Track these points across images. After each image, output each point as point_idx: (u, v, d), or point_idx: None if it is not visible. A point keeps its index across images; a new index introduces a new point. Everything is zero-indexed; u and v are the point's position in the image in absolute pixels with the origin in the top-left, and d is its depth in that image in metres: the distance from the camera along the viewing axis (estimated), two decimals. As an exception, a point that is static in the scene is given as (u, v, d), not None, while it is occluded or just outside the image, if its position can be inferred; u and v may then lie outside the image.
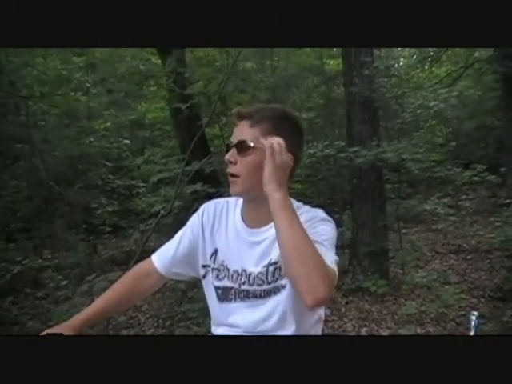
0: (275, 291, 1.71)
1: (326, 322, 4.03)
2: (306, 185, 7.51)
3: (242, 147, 1.63)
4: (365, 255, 5.76)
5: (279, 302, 1.72)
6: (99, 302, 1.83)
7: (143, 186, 7.06)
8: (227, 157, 1.64)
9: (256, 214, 1.73)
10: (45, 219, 7.99)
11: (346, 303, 5.42)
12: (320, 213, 1.71)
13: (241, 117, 1.64)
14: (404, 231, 7.26)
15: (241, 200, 1.81)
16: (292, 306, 1.72)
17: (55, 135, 8.14)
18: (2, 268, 5.57)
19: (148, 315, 5.55)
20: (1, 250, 6.38)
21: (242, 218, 1.77)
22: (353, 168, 5.91)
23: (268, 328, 1.74)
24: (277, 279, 1.69)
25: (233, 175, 1.64)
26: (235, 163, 1.64)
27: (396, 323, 5.08)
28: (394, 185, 7.20)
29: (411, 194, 8.01)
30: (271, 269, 1.69)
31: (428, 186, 9.40)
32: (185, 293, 4.91)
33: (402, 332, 4.72)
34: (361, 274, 5.60)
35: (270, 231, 1.71)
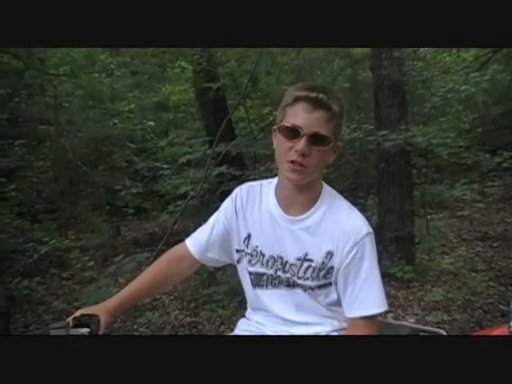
0: (307, 288, 1.68)
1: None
2: (330, 169, 7.43)
3: (319, 140, 1.56)
4: (391, 240, 5.69)
5: (311, 297, 1.69)
6: (133, 286, 1.81)
7: (167, 168, 7.03)
8: (302, 148, 1.54)
9: (297, 198, 1.68)
10: (69, 200, 8.03)
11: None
12: (361, 227, 1.64)
13: (319, 105, 1.54)
14: (430, 217, 7.16)
15: (275, 182, 1.76)
16: (323, 304, 1.69)
17: (80, 117, 8.15)
18: (28, 248, 5.61)
19: (172, 297, 5.55)
20: (26, 230, 6.40)
21: (278, 203, 1.72)
22: (380, 152, 5.82)
23: (302, 319, 1.71)
24: (308, 278, 1.66)
25: (301, 165, 1.58)
26: (308, 155, 1.57)
27: (423, 309, 5.02)
28: (421, 170, 7.10)
29: (438, 180, 7.89)
30: (305, 265, 1.65)
31: (454, 172, 9.26)
32: (211, 275, 4.90)
33: (429, 319, 4.67)
34: (387, 260, 5.53)
35: (308, 220, 1.66)
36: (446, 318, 4.78)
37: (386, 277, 5.56)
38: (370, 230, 1.63)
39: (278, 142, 1.62)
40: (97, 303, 1.74)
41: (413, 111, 7.08)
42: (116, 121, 8.31)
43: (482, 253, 6.74)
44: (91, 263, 5.21)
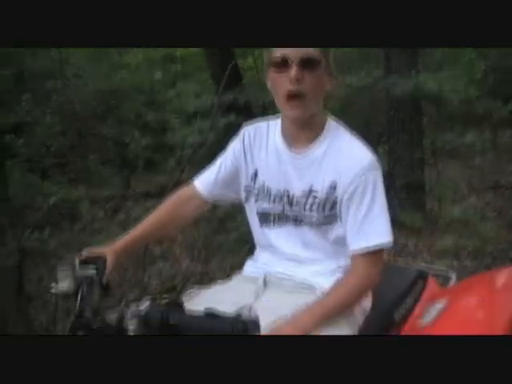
0: (313, 223, 1.66)
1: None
2: (339, 118, 7.35)
3: (310, 63, 1.54)
4: (401, 188, 5.66)
5: (317, 233, 1.68)
6: (140, 227, 1.83)
7: (176, 118, 6.98)
8: (294, 74, 1.53)
9: (301, 133, 1.67)
10: (79, 154, 8.01)
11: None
12: (364, 158, 1.64)
13: None
14: (441, 165, 7.10)
15: (280, 120, 1.74)
16: (329, 241, 1.68)
17: (86, 70, 8.07)
18: (39, 201, 5.63)
19: (183, 247, 5.58)
20: (36, 185, 6.41)
21: (283, 139, 1.71)
22: (390, 100, 5.74)
23: (309, 256, 1.71)
24: (314, 212, 1.65)
25: (298, 95, 1.55)
26: (302, 81, 1.54)
27: (432, 256, 5.03)
28: (432, 118, 7.00)
29: (449, 128, 7.79)
30: (311, 199, 1.65)
31: (466, 120, 9.14)
32: (220, 223, 4.90)
33: (439, 265, 4.68)
34: (397, 208, 5.51)
35: (312, 153, 1.65)
36: (455, 264, 4.79)
37: (396, 225, 5.53)
38: (375, 162, 1.62)
39: (272, 80, 1.61)
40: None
41: (424, 59, 6.94)
42: (123, 73, 8.22)
43: (493, 202, 6.71)
44: (101, 214, 5.22)
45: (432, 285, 2.16)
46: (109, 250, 1.69)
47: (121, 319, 1.35)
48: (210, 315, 1.37)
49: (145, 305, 1.38)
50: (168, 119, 7.42)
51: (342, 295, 1.61)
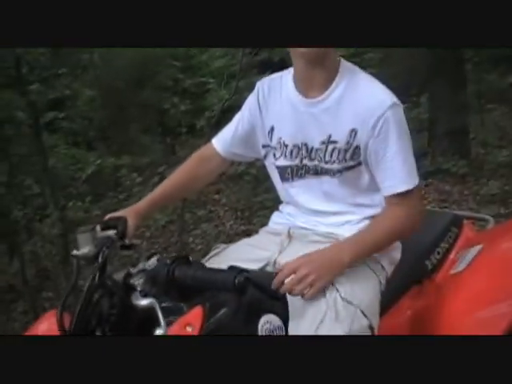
0: (334, 172, 1.63)
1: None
2: (380, 69, 7.17)
3: None
4: (444, 135, 5.53)
5: (339, 183, 1.65)
6: (161, 188, 1.84)
7: (213, 82, 6.96)
8: None
9: (313, 76, 1.61)
10: (120, 125, 8.10)
11: (426, 185, 5.25)
12: (384, 99, 1.56)
13: None
14: (487, 110, 6.89)
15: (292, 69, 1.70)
16: (352, 191, 1.65)
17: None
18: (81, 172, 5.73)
19: (227, 208, 5.63)
20: (83, 158, 6.52)
21: (296, 88, 1.66)
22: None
23: (331, 208, 1.68)
24: (335, 161, 1.61)
25: None
26: None
27: (478, 204, 4.92)
28: (474, 59, 6.76)
29: (493, 70, 7.51)
30: (330, 148, 1.60)
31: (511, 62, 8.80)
32: (260, 183, 4.91)
33: (485, 212, 4.57)
34: (440, 156, 5.40)
35: (328, 100, 1.60)
36: (502, 211, 4.67)
37: (440, 173, 5.45)
38: (395, 101, 1.56)
39: None
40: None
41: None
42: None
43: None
44: (139, 179, 5.28)
45: (468, 230, 2.09)
46: (131, 212, 1.71)
47: (127, 276, 1.37)
48: (214, 269, 1.37)
49: (152, 261, 1.40)
50: (205, 83, 7.39)
51: (381, 233, 1.58)
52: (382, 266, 1.65)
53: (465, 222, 2.13)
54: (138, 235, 5.41)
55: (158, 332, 1.29)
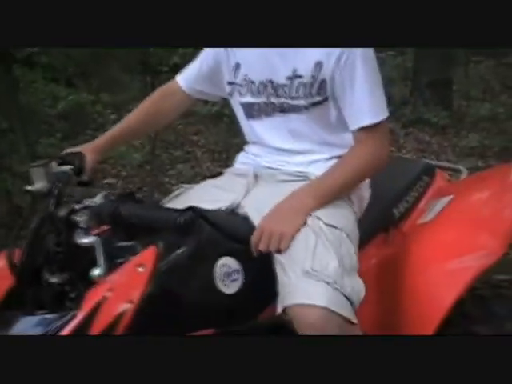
0: (301, 109, 1.57)
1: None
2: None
3: None
4: (427, 86, 5.47)
5: (306, 120, 1.59)
6: (123, 123, 1.79)
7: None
8: None
9: None
10: (101, 62, 7.91)
11: (406, 134, 5.23)
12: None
13: None
14: (472, 64, 6.82)
15: None
16: (320, 128, 1.61)
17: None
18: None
19: (204, 149, 5.56)
20: (61, 95, 6.36)
21: None
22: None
23: (299, 147, 1.63)
24: (301, 97, 1.55)
25: None
26: None
27: (457, 156, 4.91)
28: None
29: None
30: (296, 83, 1.54)
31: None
32: (238, 124, 4.83)
33: (463, 165, 4.56)
34: (422, 106, 5.35)
35: None
36: (480, 164, 4.67)
37: (421, 123, 5.42)
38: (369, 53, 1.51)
39: None
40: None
41: None
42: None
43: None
44: (114, 116, 5.17)
45: (440, 180, 2.05)
46: (90, 148, 1.66)
47: (71, 212, 1.31)
48: (157, 207, 1.31)
49: (98, 197, 1.34)
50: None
51: (346, 172, 1.54)
52: (351, 200, 1.61)
53: (437, 171, 2.08)
54: (113, 174, 5.36)
55: (96, 272, 1.25)
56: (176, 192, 1.73)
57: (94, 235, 1.28)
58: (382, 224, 1.81)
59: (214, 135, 5.68)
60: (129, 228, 1.33)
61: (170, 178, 4.91)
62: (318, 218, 1.45)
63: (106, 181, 5.22)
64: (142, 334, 1.20)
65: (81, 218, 1.29)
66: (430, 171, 2.03)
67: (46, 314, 1.22)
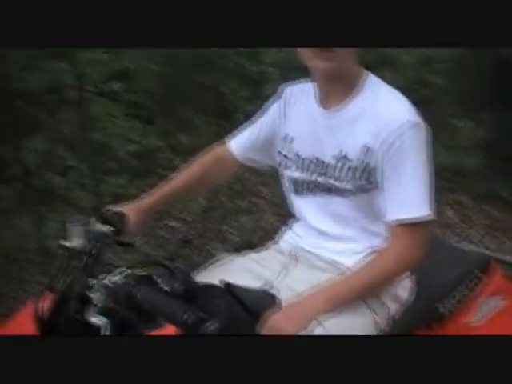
0: (347, 193, 1.52)
1: (449, 226, 3.76)
2: (442, 81, 6.88)
3: None
4: (503, 158, 5.26)
5: (352, 206, 1.54)
6: (169, 185, 1.80)
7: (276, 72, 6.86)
8: None
9: (333, 90, 1.53)
10: (179, 103, 8.10)
11: (475, 208, 5.02)
12: (402, 116, 1.46)
13: None
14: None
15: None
16: (362, 215, 1.54)
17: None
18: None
19: (269, 202, 5.51)
20: (138, 131, 6.52)
21: (316, 98, 1.57)
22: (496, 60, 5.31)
23: (338, 231, 1.58)
24: (347, 180, 1.51)
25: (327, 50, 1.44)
26: None
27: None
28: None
29: None
30: (342, 164, 1.50)
31: None
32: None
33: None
34: (496, 179, 5.14)
35: (346, 112, 1.51)
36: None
37: (492, 197, 5.17)
38: (417, 120, 1.45)
39: None
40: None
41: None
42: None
43: None
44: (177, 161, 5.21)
45: (495, 276, 1.92)
46: (133, 209, 1.67)
47: (86, 288, 1.29)
48: (170, 298, 1.28)
49: (118, 277, 1.31)
50: (267, 71, 7.30)
51: (371, 274, 1.48)
52: (384, 303, 1.53)
53: (493, 265, 1.96)
54: (177, 217, 5.40)
55: None
56: (217, 261, 1.71)
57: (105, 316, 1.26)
58: (423, 319, 1.71)
59: (281, 187, 5.65)
60: (142, 312, 1.30)
61: (231, 227, 4.89)
62: (320, 324, 1.39)
63: (169, 223, 5.27)
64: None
65: (95, 296, 1.28)
66: (484, 265, 1.91)
67: None
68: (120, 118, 6.23)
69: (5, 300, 3.88)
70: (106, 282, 1.29)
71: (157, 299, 1.27)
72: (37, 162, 4.32)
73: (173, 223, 5.24)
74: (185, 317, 1.19)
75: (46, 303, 1.32)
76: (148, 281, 1.33)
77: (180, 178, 1.82)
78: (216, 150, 1.86)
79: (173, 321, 1.23)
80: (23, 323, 1.39)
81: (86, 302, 1.28)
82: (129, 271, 1.33)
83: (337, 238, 1.59)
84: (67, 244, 1.42)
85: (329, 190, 1.56)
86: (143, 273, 1.34)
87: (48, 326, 1.30)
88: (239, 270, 1.62)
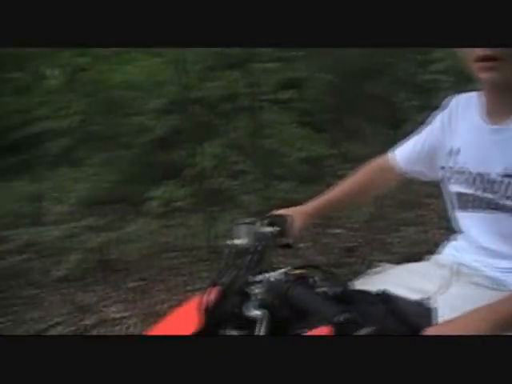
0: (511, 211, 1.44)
1: None
2: None
3: None
4: None
5: None
6: (333, 193, 1.81)
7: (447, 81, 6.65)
8: None
9: (499, 102, 1.46)
10: (349, 112, 8.13)
11: None
12: None
13: None
14: None
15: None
16: None
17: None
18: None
19: (436, 215, 5.34)
20: (309, 139, 6.64)
21: (483, 111, 1.51)
22: None
23: (504, 250, 1.50)
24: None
25: (490, 57, 1.36)
26: None
27: None
28: None
29: None
30: (506, 181, 1.43)
31: None
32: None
33: None
34: None
35: None
36: None
37: None
38: None
39: None
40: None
41: None
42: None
43: None
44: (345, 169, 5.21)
45: None
46: (299, 212, 1.71)
47: (245, 284, 1.35)
48: (323, 298, 1.29)
49: (278, 273, 1.36)
50: (438, 80, 7.09)
51: None
52: None
53: None
54: (341, 225, 5.43)
55: None
56: (377, 269, 1.72)
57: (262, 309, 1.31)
58: None
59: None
60: (297, 309, 1.33)
61: (394, 239, 4.82)
62: None
63: (333, 231, 5.33)
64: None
65: (254, 292, 1.33)
66: None
67: None
68: (291, 125, 6.39)
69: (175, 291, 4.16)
70: (266, 277, 1.36)
71: (312, 298, 1.29)
72: (211, 166, 4.59)
73: (336, 230, 5.29)
74: (339, 316, 1.20)
75: (211, 297, 1.39)
76: (305, 280, 1.37)
77: (344, 186, 1.83)
78: (380, 160, 1.85)
79: (326, 319, 1.25)
80: (189, 315, 1.48)
81: (245, 297, 1.35)
82: (288, 270, 1.39)
83: (502, 256, 1.51)
84: (233, 242, 1.51)
85: (494, 207, 1.49)
86: (301, 273, 1.38)
87: (212, 318, 1.37)
88: (398, 281, 1.59)
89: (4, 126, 4.70)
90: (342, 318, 1.18)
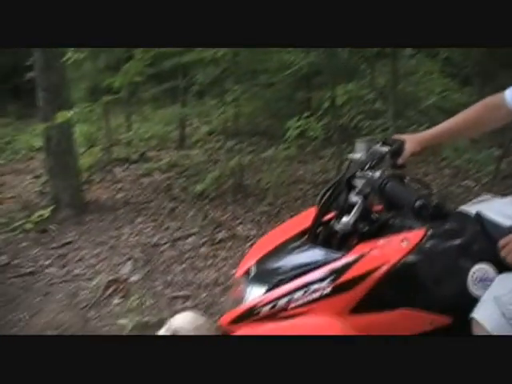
0: None
1: None
2: None
3: None
4: None
5: None
6: (447, 124, 1.89)
7: None
8: None
9: None
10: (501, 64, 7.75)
11: None
12: None
13: None
14: None
15: None
16: None
17: None
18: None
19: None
20: (451, 89, 6.50)
21: None
22: None
23: None
24: None
25: None
26: None
27: None
28: None
29: None
30: None
31: None
32: None
33: None
34: None
35: None
36: None
37: None
38: None
39: None
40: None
41: None
42: None
43: None
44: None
45: None
46: (412, 138, 1.83)
47: (352, 177, 1.61)
48: (408, 190, 1.49)
49: (379, 171, 1.58)
50: None
51: None
52: None
53: None
54: (474, 177, 5.34)
55: (344, 219, 1.54)
56: (481, 198, 1.82)
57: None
58: None
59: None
60: (388, 200, 1.53)
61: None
62: None
63: (463, 182, 5.29)
64: (379, 293, 1.40)
65: (357, 183, 1.58)
66: None
67: (327, 249, 1.53)
68: (435, 74, 6.28)
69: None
70: (369, 173, 1.59)
71: (400, 190, 1.50)
72: (347, 104, 4.76)
73: (466, 182, 5.25)
74: (417, 201, 1.38)
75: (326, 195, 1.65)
76: (400, 179, 1.58)
77: (458, 120, 1.89)
78: (494, 98, 1.89)
79: (405, 203, 1.43)
80: (305, 218, 1.73)
81: (351, 188, 1.60)
82: (385, 169, 1.62)
83: None
84: (352, 156, 1.72)
85: None
86: (396, 172, 1.59)
87: (325, 207, 1.63)
88: (500, 209, 1.68)
89: (158, 55, 5.03)
90: (419, 203, 1.37)
